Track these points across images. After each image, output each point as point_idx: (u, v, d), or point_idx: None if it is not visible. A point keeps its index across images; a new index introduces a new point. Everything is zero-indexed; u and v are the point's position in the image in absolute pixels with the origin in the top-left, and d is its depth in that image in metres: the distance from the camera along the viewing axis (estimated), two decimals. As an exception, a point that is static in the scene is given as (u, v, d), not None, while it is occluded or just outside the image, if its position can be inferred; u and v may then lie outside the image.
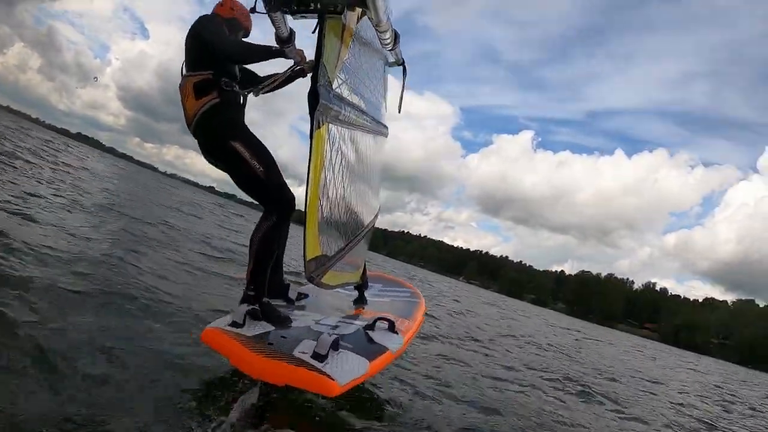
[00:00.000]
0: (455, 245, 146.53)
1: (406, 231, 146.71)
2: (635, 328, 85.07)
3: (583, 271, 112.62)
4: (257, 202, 2.38)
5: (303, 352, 1.85)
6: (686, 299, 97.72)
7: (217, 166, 2.41)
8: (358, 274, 2.93)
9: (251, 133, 2.39)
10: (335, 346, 1.89)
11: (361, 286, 3.12)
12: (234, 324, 2.08)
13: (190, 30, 2.32)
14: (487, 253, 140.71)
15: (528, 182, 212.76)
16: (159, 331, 2.88)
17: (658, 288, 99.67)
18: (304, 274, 1.83)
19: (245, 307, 2.14)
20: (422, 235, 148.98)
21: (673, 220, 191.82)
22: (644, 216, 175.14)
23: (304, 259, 1.77)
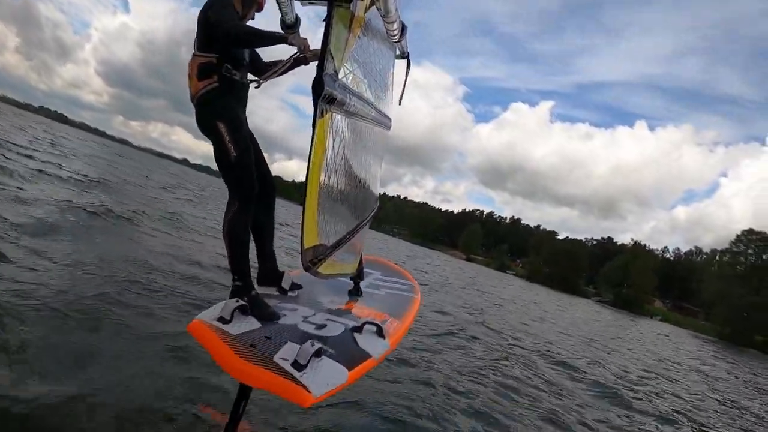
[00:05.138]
0: (443, 209, 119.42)
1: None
2: (674, 312, 66.79)
3: (608, 238, 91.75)
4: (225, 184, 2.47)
5: (283, 359, 1.87)
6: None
7: (209, 138, 2.50)
8: (354, 264, 2.93)
9: (240, 121, 2.47)
10: (318, 353, 1.90)
11: (357, 277, 3.12)
12: (221, 319, 2.08)
13: (202, 8, 2.37)
14: (482, 212, 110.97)
15: (538, 154, 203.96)
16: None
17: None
18: (301, 263, 1.83)
19: (234, 303, 2.14)
20: (400, 196, 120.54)
21: (678, 194, 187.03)
22: (651, 190, 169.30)
23: (302, 248, 1.76)
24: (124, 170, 20.96)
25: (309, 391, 1.73)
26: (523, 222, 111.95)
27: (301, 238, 1.74)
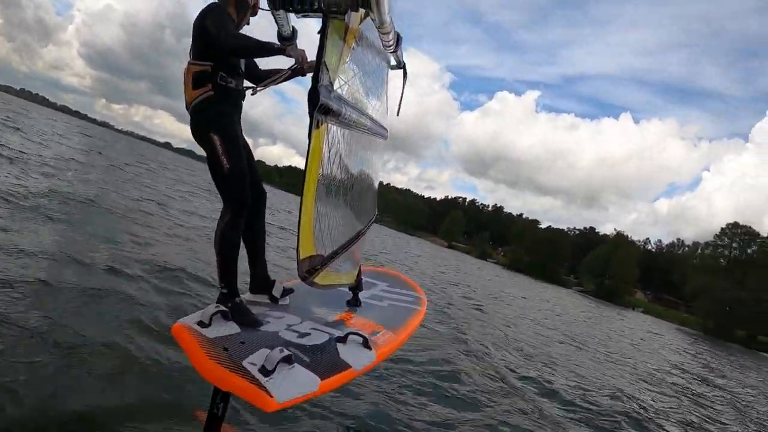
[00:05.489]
0: (426, 196, 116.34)
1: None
2: (654, 304, 64.03)
3: (590, 228, 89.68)
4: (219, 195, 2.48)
5: (252, 363, 1.89)
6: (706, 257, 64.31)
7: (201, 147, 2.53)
8: (353, 275, 2.92)
9: (234, 131, 2.48)
10: (288, 360, 1.91)
11: (356, 288, 3.10)
12: (200, 323, 2.12)
13: (197, 16, 2.38)
14: (464, 199, 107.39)
15: (522, 143, 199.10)
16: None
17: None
18: (297, 273, 1.83)
19: (214, 308, 2.19)
20: (382, 182, 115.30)
21: (661, 187, 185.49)
22: (634, 182, 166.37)
23: (297, 258, 1.77)
24: (77, 147, 19.13)
25: (272, 396, 1.74)
26: (505, 210, 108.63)
27: (297, 248, 1.74)
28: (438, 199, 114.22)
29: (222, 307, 2.23)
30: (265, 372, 1.83)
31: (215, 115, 2.41)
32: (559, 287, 55.12)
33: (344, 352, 2.22)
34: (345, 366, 2.11)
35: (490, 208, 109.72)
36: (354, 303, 3.08)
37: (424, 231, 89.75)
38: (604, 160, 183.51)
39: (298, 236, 1.74)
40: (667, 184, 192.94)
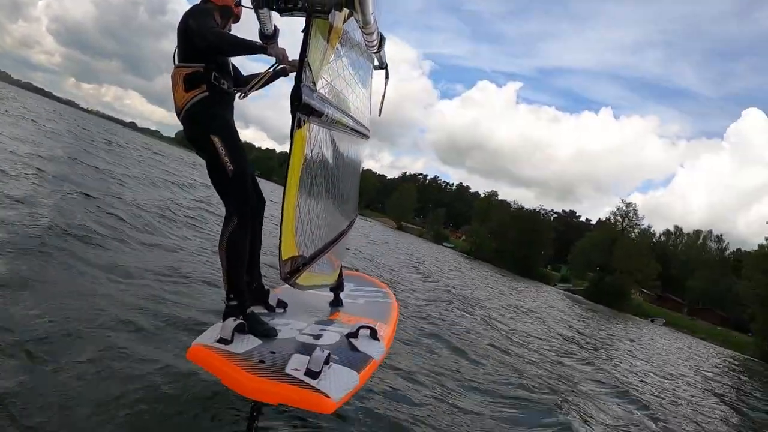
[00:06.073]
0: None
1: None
2: (666, 310, 50.78)
3: (570, 212, 75.87)
4: (221, 200, 2.40)
5: (296, 369, 1.86)
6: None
7: (199, 154, 2.44)
8: (334, 275, 2.92)
9: (234, 132, 2.43)
10: (327, 360, 1.90)
11: (337, 288, 3.11)
12: (222, 340, 2.04)
13: (181, 19, 2.34)
14: (425, 176, 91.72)
15: (500, 134, 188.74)
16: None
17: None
18: (279, 274, 1.81)
19: (232, 322, 2.11)
20: None
21: (636, 183, 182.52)
22: (610, 177, 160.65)
23: (280, 259, 1.75)
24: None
25: (329, 397, 1.73)
26: (471, 190, 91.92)
27: (279, 249, 1.73)
28: (394, 177, 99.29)
29: (240, 320, 2.16)
30: (313, 375, 1.81)
31: (211, 117, 2.34)
32: (540, 284, 45.52)
33: (360, 345, 2.29)
34: (369, 357, 2.16)
35: (453, 187, 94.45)
36: (336, 303, 3.10)
37: (374, 210, 79.15)
38: (583, 154, 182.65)
39: (280, 237, 1.72)
40: (643, 181, 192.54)
